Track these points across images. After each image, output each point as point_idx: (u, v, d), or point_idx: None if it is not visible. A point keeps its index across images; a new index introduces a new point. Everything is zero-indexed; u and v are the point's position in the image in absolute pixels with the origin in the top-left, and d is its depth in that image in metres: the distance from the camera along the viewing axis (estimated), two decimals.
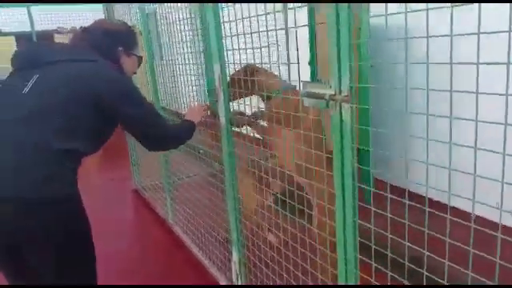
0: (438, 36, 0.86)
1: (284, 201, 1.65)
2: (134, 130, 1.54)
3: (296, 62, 1.31)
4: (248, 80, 1.78)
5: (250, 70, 1.90)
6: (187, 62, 2.60)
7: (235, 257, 1.98)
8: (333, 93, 1.06)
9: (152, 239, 3.23)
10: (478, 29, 0.79)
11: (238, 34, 1.68)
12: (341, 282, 1.21)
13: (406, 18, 0.92)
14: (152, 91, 2.96)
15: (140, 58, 1.75)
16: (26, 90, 1.37)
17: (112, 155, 4.51)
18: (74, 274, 1.40)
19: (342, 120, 1.07)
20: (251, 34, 1.49)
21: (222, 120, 1.78)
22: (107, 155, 4.26)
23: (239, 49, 1.73)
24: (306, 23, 3.65)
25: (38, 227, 1.27)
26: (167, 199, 3.22)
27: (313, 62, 4.24)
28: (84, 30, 1.61)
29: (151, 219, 3.58)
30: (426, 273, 0.97)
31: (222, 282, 2.25)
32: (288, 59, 1.53)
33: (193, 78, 2.71)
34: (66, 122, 1.34)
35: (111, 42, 1.59)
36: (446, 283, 0.96)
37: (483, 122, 0.81)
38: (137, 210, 3.99)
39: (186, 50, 2.60)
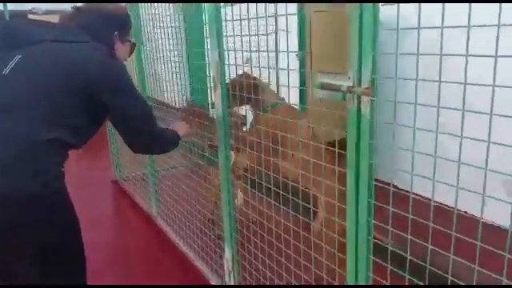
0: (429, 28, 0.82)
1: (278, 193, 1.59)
2: (122, 125, 1.39)
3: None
4: (245, 92, 1.68)
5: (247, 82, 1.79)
6: (171, 48, 2.52)
7: (228, 254, 1.90)
8: (351, 84, 0.99)
9: (134, 232, 3.11)
10: (469, 22, 0.77)
11: (240, 19, 1.59)
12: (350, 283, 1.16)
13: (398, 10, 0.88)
14: (139, 79, 2.82)
15: (133, 45, 1.63)
16: (6, 71, 1.24)
17: (90, 144, 4.35)
18: (64, 271, 1.32)
19: (360, 114, 1.00)
20: (257, 18, 1.39)
21: (219, 111, 1.69)
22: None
23: (241, 35, 1.64)
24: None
25: (26, 224, 1.19)
26: (151, 191, 3.11)
27: (302, 51, 4.15)
28: (77, 9, 1.45)
29: (133, 211, 3.45)
30: (450, 277, 0.92)
31: (213, 280, 2.17)
32: (276, 49, 1.46)
33: (175, 66, 2.62)
34: (53, 110, 1.22)
35: (107, 26, 1.45)
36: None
37: (441, 108, 0.76)
38: (117, 201, 3.84)
39: (169, 37, 2.53)
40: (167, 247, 2.75)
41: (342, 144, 1.16)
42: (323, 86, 1.07)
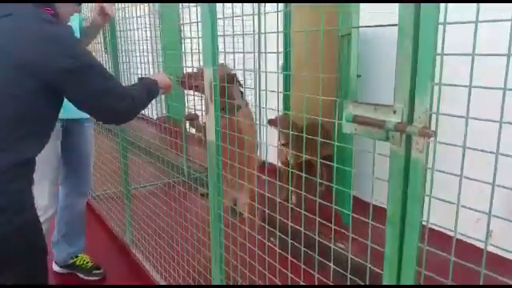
0: None
1: None
2: (84, 101, 1.18)
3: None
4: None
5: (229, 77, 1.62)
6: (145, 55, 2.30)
7: None
8: (399, 120, 0.76)
9: (105, 264, 2.76)
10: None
11: (234, 35, 1.36)
12: None
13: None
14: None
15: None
16: None
17: None
18: None
19: (409, 159, 0.77)
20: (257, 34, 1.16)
21: (211, 136, 1.43)
22: None
23: (234, 52, 1.42)
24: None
25: None
26: (126, 216, 2.80)
27: (286, 67, 3.97)
28: None
29: (104, 237, 3.12)
30: None
31: None
32: (259, 65, 1.27)
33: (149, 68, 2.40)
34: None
35: None
36: None
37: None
38: (86, 224, 3.48)
39: (144, 46, 2.33)
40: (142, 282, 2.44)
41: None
42: (357, 120, 0.84)
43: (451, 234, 0.77)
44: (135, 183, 3.03)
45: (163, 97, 3.97)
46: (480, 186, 0.73)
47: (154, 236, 2.38)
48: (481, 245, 0.74)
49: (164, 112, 4.71)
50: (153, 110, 2.92)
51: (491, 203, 0.72)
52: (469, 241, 0.85)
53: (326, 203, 1.06)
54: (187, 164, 3.61)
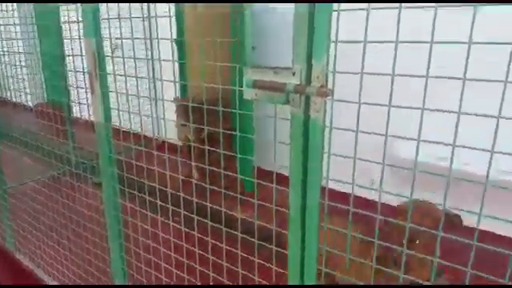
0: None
1: None
2: None
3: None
4: None
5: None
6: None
7: None
8: (298, 82, 0.77)
9: None
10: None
11: (120, 18, 1.24)
12: None
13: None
14: None
15: None
16: None
17: None
18: None
19: (308, 120, 0.79)
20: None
21: (100, 119, 1.30)
22: None
23: (122, 38, 1.28)
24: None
25: None
26: (3, 218, 2.43)
27: (182, 55, 3.81)
28: None
29: None
30: None
31: None
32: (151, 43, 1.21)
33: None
34: None
35: None
36: None
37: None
38: None
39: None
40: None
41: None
42: (258, 85, 0.83)
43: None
44: (11, 181, 2.65)
45: (42, 78, 3.50)
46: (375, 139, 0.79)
47: (41, 236, 2.12)
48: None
49: (43, 97, 4.17)
50: (27, 95, 2.56)
51: (384, 156, 0.78)
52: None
53: (229, 173, 1.04)
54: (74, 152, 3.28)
